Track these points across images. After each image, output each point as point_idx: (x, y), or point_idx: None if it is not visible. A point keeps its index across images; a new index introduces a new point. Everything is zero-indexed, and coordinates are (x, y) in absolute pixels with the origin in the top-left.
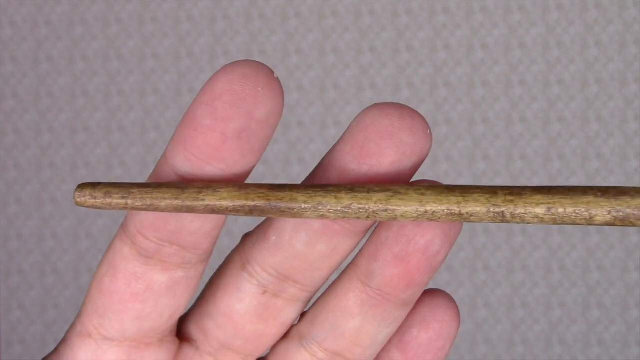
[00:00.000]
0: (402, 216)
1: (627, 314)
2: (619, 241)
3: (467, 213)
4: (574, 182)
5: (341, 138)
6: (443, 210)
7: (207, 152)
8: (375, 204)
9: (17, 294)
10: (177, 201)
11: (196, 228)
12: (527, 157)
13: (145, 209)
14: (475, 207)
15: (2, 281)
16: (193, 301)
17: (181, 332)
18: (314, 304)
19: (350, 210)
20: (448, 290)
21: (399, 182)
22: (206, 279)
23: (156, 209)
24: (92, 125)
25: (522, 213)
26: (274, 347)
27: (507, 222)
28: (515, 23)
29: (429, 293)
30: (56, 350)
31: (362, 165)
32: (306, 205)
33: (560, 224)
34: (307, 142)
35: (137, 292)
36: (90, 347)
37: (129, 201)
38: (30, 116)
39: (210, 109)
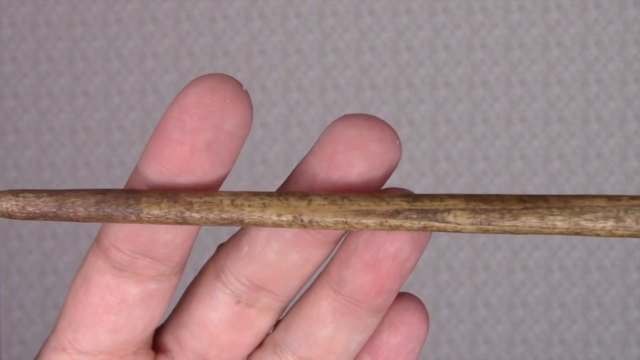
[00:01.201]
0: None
1: (627, 314)
2: (619, 241)
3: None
4: (574, 182)
5: (311, 149)
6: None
7: (177, 164)
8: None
9: (17, 294)
10: (93, 196)
11: (169, 240)
12: (527, 157)
13: (58, 208)
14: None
15: (2, 281)
16: (169, 312)
17: (157, 343)
18: (287, 312)
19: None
20: (448, 290)
21: (368, 192)
22: (181, 291)
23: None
24: (92, 125)
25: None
26: (249, 357)
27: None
28: (515, 23)
29: (397, 297)
30: None
31: (331, 176)
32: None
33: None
34: (307, 142)
35: (110, 304)
36: None
37: (46, 197)
38: (30, 116)
39: (179, 122)
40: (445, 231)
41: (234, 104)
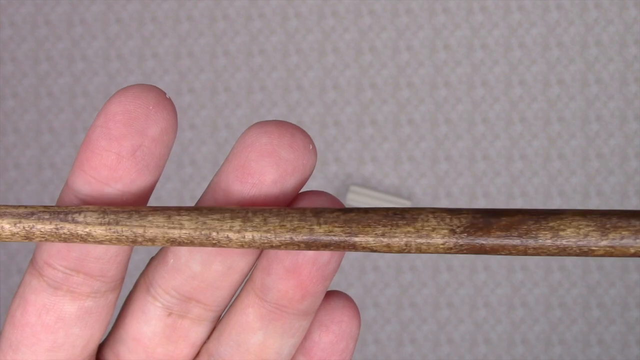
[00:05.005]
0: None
1: (627, 314)
2: None
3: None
4: (574, 182)
5: (226, 158)
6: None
7: (105, 173)
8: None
9: None
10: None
11: (100, 254)
12: (527, 157)
13: None
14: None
15: (2, 281)
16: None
17: (99, 359)
18: (219, 321)
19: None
20: (448, 291)
21: (283, 199)
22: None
23: None
24: None
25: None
26: None
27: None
28: (515, 23)
29: (325, 296)
30: None
31: (244, 185)
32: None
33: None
34: None
35: (47, 323)
36: None
37: None
38: (30, 116)
39: (105, 130)
40: (77, 234)
41: (157, 110)
